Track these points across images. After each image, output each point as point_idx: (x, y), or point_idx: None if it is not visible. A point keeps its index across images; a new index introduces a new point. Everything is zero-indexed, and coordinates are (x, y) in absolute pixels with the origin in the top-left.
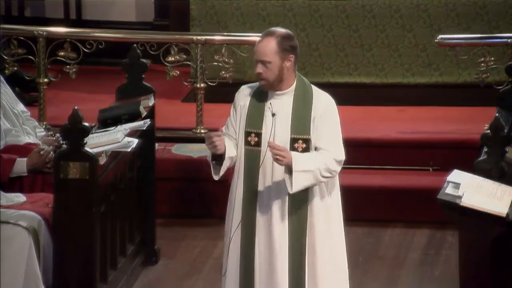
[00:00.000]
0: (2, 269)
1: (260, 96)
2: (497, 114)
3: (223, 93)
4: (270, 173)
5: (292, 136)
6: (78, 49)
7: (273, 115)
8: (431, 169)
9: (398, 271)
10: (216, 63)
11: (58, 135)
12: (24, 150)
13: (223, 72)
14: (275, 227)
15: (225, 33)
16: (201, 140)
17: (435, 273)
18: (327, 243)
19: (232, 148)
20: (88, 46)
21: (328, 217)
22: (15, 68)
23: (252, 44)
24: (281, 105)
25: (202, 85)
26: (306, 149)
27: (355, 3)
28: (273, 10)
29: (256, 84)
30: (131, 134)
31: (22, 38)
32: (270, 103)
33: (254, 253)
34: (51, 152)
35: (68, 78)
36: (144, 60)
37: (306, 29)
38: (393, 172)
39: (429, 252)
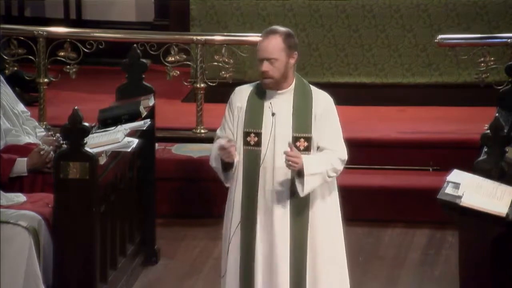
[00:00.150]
0: (2, 269)
1: (258, 96)
2: (497, 114)
3: (223, 93)
4: (270, 173)
5: (294, 134)
6: (78, 49)
7: (273, 114)
8: (431, 169)
9: (398, 271)
10: (216, 63)
11: (58, 135)
12: (24, 150)
13: (223, 72)
14: (276, 227)
15: (225, 33)
16: (201, 140)
17: (435, 273)
18: (328, 243)
19: (236, 152)
20: (88, 46)
21: (328, 216)
22: (15, 68)
23: (252, 44)
24: (281, 104)
25: (202, 85)
26: (307, 148)
27: (355, 3)
28: (273, 10)
29: (251, 84)
30: (131, 134)
31: (22, 38)
32: (270, 103)
33: (255, 254)
34: (51, 152)
35: (68, 78)
36: (144, 60)
37: (306, 29)
38: (393, 172)
39: (429, 252)
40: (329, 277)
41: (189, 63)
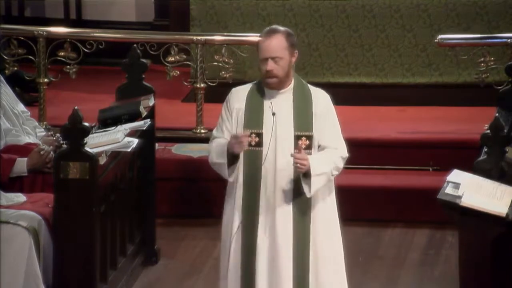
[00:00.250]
0: (2, 269)
1: (257, 96)
2: (497, 114)
3: (223, 93)
4: (272, 172)
5: (296, 133)
6: (78, 49)
7: (273, 114)
8: (431, 169)
9: (398, 271)
10: (216, 63)
11: (58, 135)
12: (24, 150)
13: (223, 72)
14: (279, 227)
15: (225, 33)
16: (201, 140)
17: (435, 273)
18: (328, 243)
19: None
20: (88, 46)
21: (328, 217)
22: (15, 68)
23: (252, 44)
24: (282, 103)
25: (202, 85)
26: (309, 146)
27: (355, 3)
28: (273, 10)
29: (247, 85)
30: (131, 134)
31: (22, 38)
32: (271, 102)
33: (256, 254)
34: (51, 152)
35: (68, 78)
36: (144, 60)
37: (306, 29)
38: (393, 172)
39: (429, 252)
40: (329, 278)
41: (189, 63)
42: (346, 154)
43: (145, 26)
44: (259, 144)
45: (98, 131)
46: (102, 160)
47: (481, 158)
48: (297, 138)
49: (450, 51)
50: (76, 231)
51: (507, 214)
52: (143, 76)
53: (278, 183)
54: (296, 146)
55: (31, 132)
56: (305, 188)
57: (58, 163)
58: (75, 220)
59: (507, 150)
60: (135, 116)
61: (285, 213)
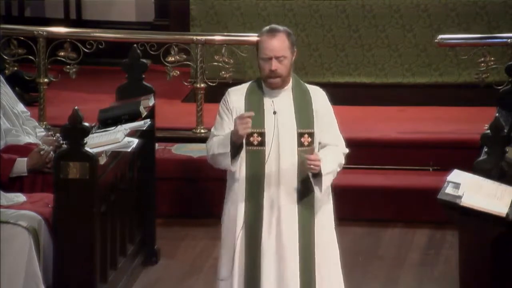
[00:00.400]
0: (2, 269)
1: (256, 96)
2: (497, 114)
3: (223, 93)
4: (276, 171)
5: (299, 130)
6: (78, 49)
7: (275, 113)
8: (431, 169)
9: (398, 271)
10: (216, 63)
11: (58, 135)
12: (24, 150)
13: (223, 72)
14: (284, 226)
15: (225, 33)
16: (201, 140)
17: (435, 273)
18: (327, 243)
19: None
20: (88, 46)
21: (328, 216)
22: (15, 68)
23: (252, 44)
24: (283, 102)
25: (202, 85)
26: (311, 143)
27: (355, 3)
28: (273, 10)
29: (244, 85)
30: (131, 134)
31: (22, 38)
32: (273, 101)
33: (262, 254)
34: (51, 152)
35: (68, 78)
36: (144, 60)
37: (306, 29)
38: (393, 172)
39: (429, 252)
40: (331, 277)
41: (189, 63)
42: (346, 150)
43: (145, 26)
44: (262, 143)
45: (98, 131)
46: (102, 160)
47: (481, 158)
48: (300, 135)
49: (450, 51)
50: (76, 231)
51: (507, 214)
52: (143, 76)
53: (282, 182)
54: (300, 144)
55: (31, 132)
56: (316, 187)
57: (58, 163)
58: (75, 220)
59: (507, 150)
60: (135, 116)
61: (290, 212)
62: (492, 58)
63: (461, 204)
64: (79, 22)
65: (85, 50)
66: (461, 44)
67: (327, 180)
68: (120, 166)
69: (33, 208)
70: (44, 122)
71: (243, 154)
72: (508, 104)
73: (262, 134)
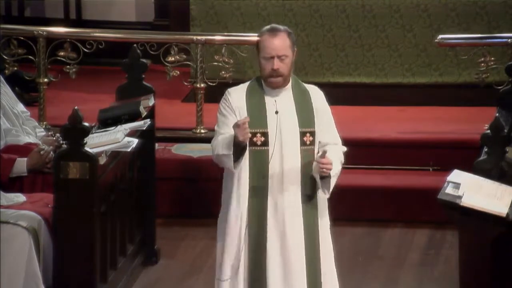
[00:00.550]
0: (2, 269)
1: (257, 96)
2: (497, 114)
3: (223, 93)
4: (279, 171)
5: (301, 130)
6: (78, 49)
7: (276, 112)
8: (431, 169)
9: (398, 271)
10: (216, 63)
11: (58, 135)
12: (24, 150)
13: (223, 72)
14: (288, 225)
15: (225, 33)
16: (201, 140)
17: (435, 273)
18: (325, 240)
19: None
20: (88, 46)
21: (325, 214)
22: (15, 68)
23: (252, 44)
24: (284, 101)
25: (202, 85)
26: (312, 142)
27: (355, 3)
28: (273, 10)
29: (243, 85)
30: (131, 134)
31: (22, 38)
32: (275, 101)
33: (267, 254)
34: (51, 152)
35: (68, 78)
36: (144, 60)
37: (306, 29)
38: (393, 172)
39: (429, 252)
40: (332, 276)
41: (189, 63)
42: (344, 148)
43: (145, 26)
44: (265, 143)
45: (98, 131)
46: (102, 160)
47: (481, 158)
48: (302, 134)
49: (450, 51)
50: (76, 231)
51: (507, 214)
52: (143, 76)
53: (286, 181)
54: (302, 144)
55: (31, 132)
56: (322, 188)
57: (58, 163)
58: (75, 220)
59: (507, 150)
60: (135, 116)
61: (295, 212)
62: (492, 58)
63: (461, 204)
64: (79, 22)
65: (85, 50)
66: (461, 44)
67: (334, 182)
68: (120, 166)
69: (33, 208)
70: (44, 122)
71: (246, 154)
72: (508, 104)
73: (265, 134)
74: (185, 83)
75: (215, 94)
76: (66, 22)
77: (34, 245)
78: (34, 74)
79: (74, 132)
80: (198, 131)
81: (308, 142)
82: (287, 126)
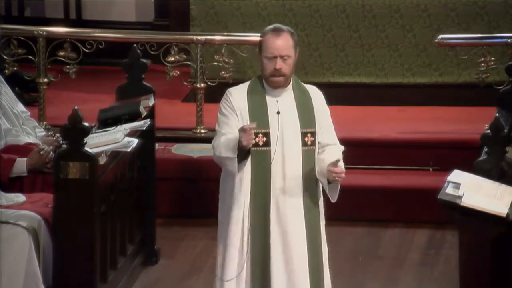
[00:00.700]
0: (2, 269)
1: (258, 96)
2: (497, 114)
3: (223, 93)
4: (281, 171)
5: (302, 130)
6: (78, 49)
7: (278, 113)
8: (431, 169)
9: (398, 271)
10: (216, 63)
11: (58, 135)
12: (24, 150)
13: (223, 72)
14: (290, 226)
15: (225, 33)
16: (201, 140)
17: (435, 273)
18: (323, 242)
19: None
20: (88, 46)
21: (322, 216)
22: (15, 68)
23: (252, 44)
24: (286, 101)
25: (202, 85)
26: (313, 142)
27: (355, 3)
28: (273, 10)
29: (244, 85)
30: (131, 134)
31: (22, 38)
32: (277, 101)
33: (270, 253)
34: (51, 152)
35: (68, 78)
36: (144, 60)
37: (306, 29)
38: (393, 172)
39: (429, 252)
40: (326, 274)
41: (189, 63)
42: (342, 147)
43: (145, 26)
44: (267, 143)
45: (98, 131)
46: (102, 160)
47: (481, 158)
48: (304, 135)
49: (450, 51)
50: (76, 231)
51: (507, 214)
52: (143, 76)
53: (287, 182)
54: (303, 144)
55: (31, 132)
56: (330, 193)
57: (58, 163)
58: (75, 220)
59: (507, 150)
60: (135, 116)
61: (296, 211)
62: (492, 58)
63: (461, 204)
64: (79, 22)
65: (85, 50)
66: (461, 44)
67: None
68: (120, 166)
69: (33, 208)
70: (44, 122)
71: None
72: (508, 104)
73: (267, 134)
74: (185, 83)
75: (215, 94)
76: (66, 22)
77: (34, 245)
78: (34, 74)
79: (74, 132)
80: (198, 131)
81: (309, 143)
82: (289, 126)
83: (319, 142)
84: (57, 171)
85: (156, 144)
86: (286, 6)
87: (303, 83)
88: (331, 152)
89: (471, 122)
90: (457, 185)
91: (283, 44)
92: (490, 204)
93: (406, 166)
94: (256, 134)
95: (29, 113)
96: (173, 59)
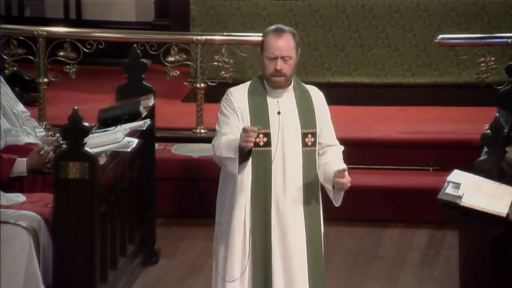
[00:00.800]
0: (2, 269)
1: (259, 96)
2: (497, 114)
3: (223, 93)
4: (281, 172)
5: (303, 131)
6: (78, 49)
7: (279, 113)
8: (431, 169)
9: (398, 271)
10: (216, 63)
11: (58, 135)
12: (24, 150)
13: (223, 72)
14: (290, 227)
15: (225, 33)
16: (201, 140)
17: (435, 273)
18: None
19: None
20: (88, 46)
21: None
22: (15, 68)
23: (252, 44)
24: (286, 102)
25: (202, 85)
26: (314, 143)
27: (355, 3)
28: (273, 10)
29: (245, 85)
30: (131, 134)
31: (22, 38)
32: (278, 101)
33: (271, 254)
34: (51, 152)
35: (68, 78)
36: (144, 60)
37: (306, 29)
38: (393, 172)
39: (429, 252)
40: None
41: (189, 63)
42: (342, 147)
43: (145, 26)
44: (268, 144)
45: (98, 131)
46: (102, 160)
47: (481, 158)
48: (304, 135)
49: (450, 51)
50: (76, 231)
51: (507, 214)
52: (143, 76)
53: (288, 182)
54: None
55: (31, 132)
56: (335, 198)
57: (58, 163)
58: (75, 220)
59: (507, 150)
60: (135, 116)
61: (296, 212)
62: (492, 58)
63: (461, 204)
64: (79, 22)
65: (85, 50)
66: (461, 44)
67: None
68: (120, 166)
69: (33, 208)
70: (44, 122)
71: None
72: (508, 104)
73: (267, 135)
74: (185, 83)
75: (215, 94)
76: (66, 22)
77: (34, 245)
78: (34, 74)
79: (74, 132)
80: (198, 131)
81: (309, 143)
82: (289, 127)
83: (319, 143)
84: (57, 171)
85: (156, 144)
86: (286, 6)
87: (304, 84)
88: (334, 156)
89: (471, 122)
90: (457, 185)
91: (284, 45)
92: (490, 204)
93: (406, 166)
94: (257, 135)
95: (29, 113)
96: (173, 59)
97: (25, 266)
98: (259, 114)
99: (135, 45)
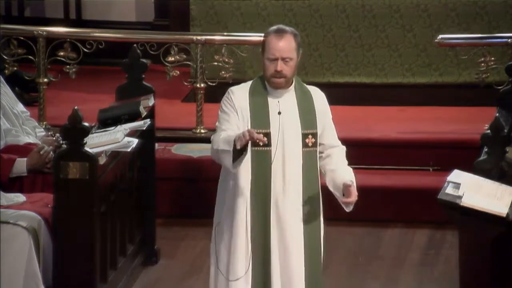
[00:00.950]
0: (2, 269)
1: (260, 96)
2: (497, 114)
3: (223, 93)
4: (281, 172)
5: (303, 131)
6: (78, 49)
7: (279, 113)
8: (431, 169)
9: (398, 271)
10: (216, 63)
11: (58, 135)
12: (24, 150)
13: (223, 72)
14: (288, 228)
15: (225, 33)
16: (201, 140)
17: (435, 273)
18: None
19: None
20: (88, 46)
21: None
22: (15, 68)
23: (252, 44)
24: (287, 102)
25: (202, 85)
26: (315, 144)
27: (355, 3)
28: (273, 10)
29: (246, 84)
30: (131, 134)
31: (22, 38)
32: (278, 101)
33: (271, 254)
34: (51, 152)
35: (68, 78)
36: (144, 60)
37: (306, 29)
38: (393, 172)
39: (429, 252)
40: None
41: (189, 63)
42: (344, 147)
43: (145, 26)
44: (268, 144)
45: (98, 131)
46: (102, 160)
47: (481, 158)
48: (305, 136)
49: (450, 51)
50: (76, 231)
51: (507, 214)
52: (143, 76)
53: (287, 183)
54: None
55: (31, 132)
56: (346, 206)
57: (58, 163)
58: (75, 220)
59: (507, 150)
60: (135, 116)
61: (296, 213)
62: (492, 58)
63: (461, 204)
64: (79, 22)
65: (85, 50)
66: (461, 44)
67: None
68: (120, 166)
69: (33, 208)
70: (44, 122)
71: (248, 155)
72: (508, 104)
73: (268, 135)
74: (185, 83)
75: (215, 94)
76: (66, 22)
77: (34, 245)
78: (34, 74)
79: (74, 132)
80: (198, 131)
81: (310, 144)
82: (290, 127)
83: (321, 144)
84: (57, 171)
85: (156, 144)
86: (286, 6)
87: (305, 84)
88: (339, 161)
89: (471, 122)
90: (457, 185)
91: (285, 46)
92: (490, 204)
93: (406, 166)
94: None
95: (29, 113)
96: (173, 59)
97: (25, 266)
98: (259, 113)
99: (135, 45)
